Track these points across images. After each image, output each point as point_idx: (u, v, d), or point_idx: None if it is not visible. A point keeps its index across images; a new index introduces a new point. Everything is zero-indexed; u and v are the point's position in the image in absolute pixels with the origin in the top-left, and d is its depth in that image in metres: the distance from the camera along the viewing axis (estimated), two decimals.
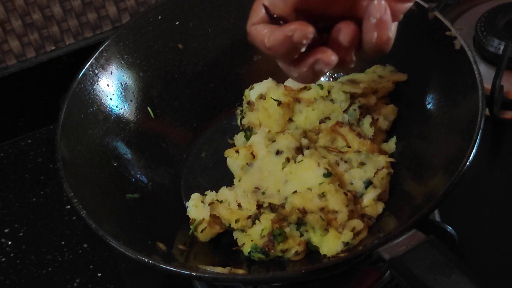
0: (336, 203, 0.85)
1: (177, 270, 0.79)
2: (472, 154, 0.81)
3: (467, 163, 0.80)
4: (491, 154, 1.09)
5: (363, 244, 0.84)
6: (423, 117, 0.95)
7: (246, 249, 0.88)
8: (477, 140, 0.82)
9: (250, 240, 0.88)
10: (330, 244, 0.84)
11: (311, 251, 0.88)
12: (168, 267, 0.80)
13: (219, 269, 0.83)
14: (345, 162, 0.92)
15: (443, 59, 0.93)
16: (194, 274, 0.80)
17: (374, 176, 0.90)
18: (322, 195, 0.86)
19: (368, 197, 0.89)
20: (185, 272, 0.80)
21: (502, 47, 1.11)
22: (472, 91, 0.87)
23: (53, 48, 1.23)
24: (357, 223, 0.86)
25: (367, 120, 0.96)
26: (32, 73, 1.21)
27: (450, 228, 0.78)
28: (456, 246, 0.80)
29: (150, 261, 0.79)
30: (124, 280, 1.01)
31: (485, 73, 1.10)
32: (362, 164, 0.92)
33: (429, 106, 0.95)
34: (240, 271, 0.83)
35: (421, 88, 0.96)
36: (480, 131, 0.82)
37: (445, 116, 0.92)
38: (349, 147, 0.93)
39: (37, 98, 1.23)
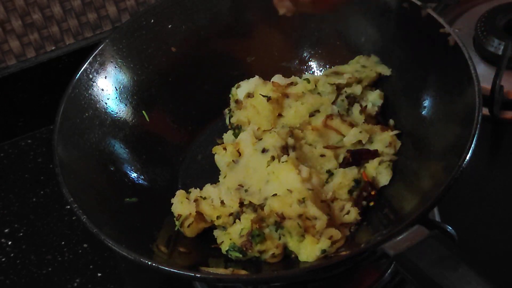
0: (315, 210, 0.85)
1: (182, 272, 0.80)
2: (471, 149, 0.81)
3: (467, 158, 0.80)
4: (491, 154, 1.09)
5: (365, 241, 0.83)
6: (420, 113, 0.95)
7: (224, 247, 0.88)
8: (476, 134, 0.82)
9: (229, 238, 0.88)
10: (308, 251, 0.85)
11: (287, 255, 0.88)
12: (172, 270, 0.79)
13: (221, 270, 0.83)
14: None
15: (438, 56, 0.94)
16: (199, 276, 0.80)
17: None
18: (302, 201, 0.86)
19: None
20: (190, 274, 0.80)
21: (502, 47, 1.11)
22: (468, 87, 0.87)
23: (53, 48, 1.23)
24: (335, 232, 0.86)
25: (356, 108, 0.97)
26: (32, 73, 1.21)
27: (450, 228, 0.78)
28: (456, 246, 0.80)
29: (154, 264, 0.79)
30: (124, 280, 1.01)
31: (485, 73, 1.11)
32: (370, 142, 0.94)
33: (425, 104, 0.95)
34: (243, 272, 0.83)
35: (417, 86, 0.96)
36: (478, 125, 0.82)
37: (440, 113, 0.92)
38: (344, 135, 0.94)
39: (37, 98, 1.23)
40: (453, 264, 0.71)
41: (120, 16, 1.23)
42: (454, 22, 1.21)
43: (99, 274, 1.03)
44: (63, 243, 1.08)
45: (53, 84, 1.21)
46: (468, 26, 1.19)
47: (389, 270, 0.93)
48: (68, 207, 1.12)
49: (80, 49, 1.21)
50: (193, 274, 0.80)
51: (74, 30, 1.22)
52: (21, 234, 1.11)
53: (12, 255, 1.08)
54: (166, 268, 0.79)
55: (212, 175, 0.98)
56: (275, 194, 0.88)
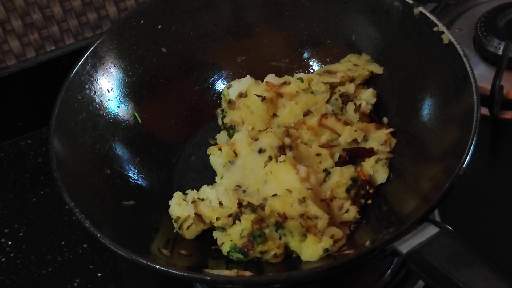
0: (316, 209, 0.85)
1: (192, 275, 0.80)
2: (471, 147, 0.80)
3: (469, 154, 0.80)
4: (491, 154, 1.09)
5: (373, 240, 0.83)
6: (416, 112, 0.95)
7: (225, 249, 0.88)
8: (476, 132, 0.82)
9: (229, 240, 0.88)
10: (311, 250, 0.84)
11: (288, 255, 0.88)
12: (182, 273, 0.79)
13: (226, 272, 0.83)
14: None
15: (432, 55, 0.94)
16: (209, 278, 0.80)
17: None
18: (303, 200, 0.86)
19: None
20: (201, 277, 0.80)
21: (502, 47, 1.11)
22: (465, 84, 0.87)
23: (53, 48, 1.23)
24: (336, 231, 0.86)
25: (350, 107, 0.98)
26: (32, 73, 1.21)
27: (450, 228, 0.78)
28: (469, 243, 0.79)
29: (163, 268, 0.79)
30: (124, 280, 1.01)
31: (485, 73, 1.11)
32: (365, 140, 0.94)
33: (421, 102, 0.95)
34: (247, 273, 0.83)
35: (411, 84, 0.96)
36: (478, 122, 0.83)
37: (437, 111, 0.92)
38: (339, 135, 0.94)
39: (37, 98, 1.23)
40: (468, 261, 0.71)
41: (120, 16, 1.23)
42: (454, 22, 1.21)
43: (99, 274, 1.03)
44: (63, 243, 1.08)
45: (53, 84, 1.21)
46: (468, 26, 1.19)
47: (389, 270, 0.93)
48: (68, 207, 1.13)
49: (80, 49, 1.21)
50: (203, 277, 0.80)
51: (74, 30, 1.22)
52: (21, 234, 1.11)
53: (12, 255, 1.08)
54: (176, 272, 0.79)
55: (206, 176, 0.98)
56: (275, 194, 0.87)
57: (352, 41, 1.03)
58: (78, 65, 0.99)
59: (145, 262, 0.80)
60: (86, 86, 0.99)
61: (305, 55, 1.07)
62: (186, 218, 0.90)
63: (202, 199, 0.91)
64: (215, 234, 0.91)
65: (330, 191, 0.90)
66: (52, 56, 1.22)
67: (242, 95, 1.00)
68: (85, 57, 1.00)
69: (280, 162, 0.90)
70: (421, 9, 0.95)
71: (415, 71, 0.96)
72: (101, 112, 1.00)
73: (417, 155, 0.92)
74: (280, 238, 0.87)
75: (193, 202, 0.91)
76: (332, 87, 0.99)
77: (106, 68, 1.02)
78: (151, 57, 1.05)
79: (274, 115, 0.99)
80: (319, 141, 0.94)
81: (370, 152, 0.93)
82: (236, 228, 0.88)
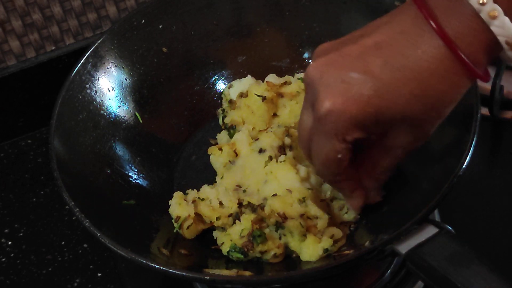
0: (316, 209, 0.85)
1: (192, 275, 0.80)
2: (472, 145, 0.81)
3: (469, 154, 0.80)
4: (491, 154, 1.09)
5: (372, 240, 0.83)
6: None
7: (225, 249, 0.88)
8: (475, 133, 0.82)
9: (229, 239, 0.88)
10: (311, 250, 0.85)
11: (288, 255, 0.88)
12: (182, 273, 0.79)
13: (225, 272, 0.83)
14: None
15: None
16: (208, 278, 0.80)
17: None
18: (303, 200, 0.86)
19: None
20: (201, 277, 0.80)
21: None
22: None
23: (53, 48, 1.23)
24: (336, 231, 0.86)
25: None
26: (32, 73, 1.21)
27: (450, 228, 0.78)
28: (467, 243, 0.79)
29: (162, 268, 0.79)
30: (124, 280, 1.01)
31: None
32: None
33: None
34: (247, 273, 0.83)
35: None
36: (478, 122, 0.83)
37: None
38: None
39: (37, 98, 1.23)
40: (466, 261, 0.71)
41: (120, 16, 1.23)
42: None
43: (99, 274, 1.04)
44: (63, 243, 1.08)
45: (53, 84, 1.21)
46: None
47: (389, 270, 0.93)
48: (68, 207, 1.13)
49: (80, 49, 1.21)
50: (203, 277, 0.80)
51: (74, 30, 1.22)
52: (21, 234, 1.11)
53: (12, 255, 1.08)
54: (175, 272, 0.79)
55: (207, 176, 0.98)
56: (275, 194, 0.88)
57: None
58: (79, 64, 0.99)
59: (144, 261, 0.80)
60: (87, 86, 0.99)
61: (306, 55, 1.07)
62: (186, 218, 0.91)
63: (202, 199, 0.92)
64: (215, 234, 0.91)
65: (330, 191, 0.90)
66: (52, 56, 1.22)
67: (242, 95, 1.00)
68: (86, 56, 1.00)
69: (281, 162, 0.90)
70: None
71: None
72: (102, 112, 1.00)
73: (417, 155, 0.91)
74: (280, 238, 0.87)
75: (193, 202, 0.91)
76: None
77: (107, 68, 1.02)
78: (152, 57, 1.05)
79: (275, 115, 0.99)
80: None
81: None
82: (236, 228, 0.88)
